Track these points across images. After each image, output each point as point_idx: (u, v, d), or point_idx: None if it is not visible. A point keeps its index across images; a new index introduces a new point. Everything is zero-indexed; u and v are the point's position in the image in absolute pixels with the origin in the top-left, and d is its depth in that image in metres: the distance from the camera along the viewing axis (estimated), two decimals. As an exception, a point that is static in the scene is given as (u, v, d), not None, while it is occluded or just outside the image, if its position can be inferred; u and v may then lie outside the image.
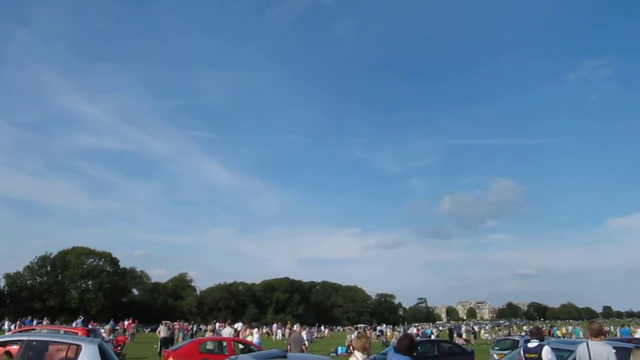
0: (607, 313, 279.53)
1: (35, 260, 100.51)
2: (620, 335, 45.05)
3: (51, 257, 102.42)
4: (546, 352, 8.66)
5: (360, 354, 6.71)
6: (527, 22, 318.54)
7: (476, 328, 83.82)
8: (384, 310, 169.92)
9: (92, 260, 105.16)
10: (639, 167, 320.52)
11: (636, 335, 37.12)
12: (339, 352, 35.20)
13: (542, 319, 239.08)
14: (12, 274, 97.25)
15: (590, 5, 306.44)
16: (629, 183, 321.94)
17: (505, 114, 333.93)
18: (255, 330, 23.38)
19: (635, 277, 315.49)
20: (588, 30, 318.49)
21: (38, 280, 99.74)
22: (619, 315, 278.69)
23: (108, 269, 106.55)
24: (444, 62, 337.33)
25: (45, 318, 61.40)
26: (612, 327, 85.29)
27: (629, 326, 61.61)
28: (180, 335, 39.17)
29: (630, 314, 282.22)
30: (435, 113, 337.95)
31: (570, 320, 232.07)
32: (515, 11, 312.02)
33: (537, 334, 9.41)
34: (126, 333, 45.29)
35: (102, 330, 28.45)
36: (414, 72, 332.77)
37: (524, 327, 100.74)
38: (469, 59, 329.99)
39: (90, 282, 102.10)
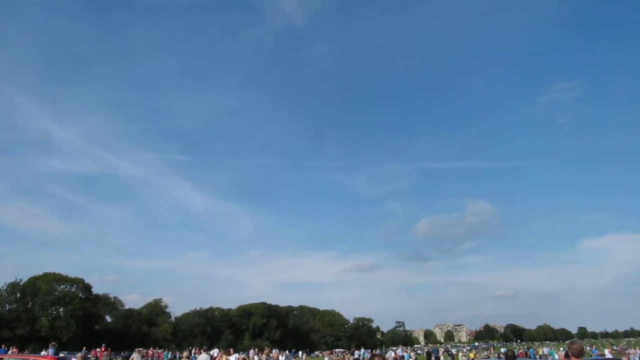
0: (582, 334, 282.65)
1: (4, 287, 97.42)
2: (592, 356, 45.80)
3: (21, 283, 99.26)
4: None
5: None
6: (498, 46, 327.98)
7: (454, 351, 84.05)
8: (362, 334, 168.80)
9: (63, 286, 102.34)
10: (609, 188, 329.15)
11: (607, 355, 37.92)
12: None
13: (519, 341, 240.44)
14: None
15: (560, 28, 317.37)
16: (600, 204, 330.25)
17: (479, 137, 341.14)
18: (235, 356, 23.22)
19: (608, 298, 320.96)
20: (558, 53, 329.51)
21: (7, 307, 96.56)
22: (594, 335, 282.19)
23: (80, 295, 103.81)
24: (417, 86, 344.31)
25: (12, 347, 59.46)
26: (587, 348, 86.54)
27: (596, 347, 62.66)
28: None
29: (605, 335, 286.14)
30: (409, 136, 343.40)
31: (547, 342, 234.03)
32: (486, 35, 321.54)
33: (512, 358, 9.62)
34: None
35: (73, 359, 27.83)
36: (387, 95, 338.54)
37: (501, 349, 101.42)
38: (441, 83, 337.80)
39: (61, 309, 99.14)
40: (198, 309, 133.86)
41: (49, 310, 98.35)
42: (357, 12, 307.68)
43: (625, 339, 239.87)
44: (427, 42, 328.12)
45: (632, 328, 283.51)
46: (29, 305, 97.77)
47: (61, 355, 32.42)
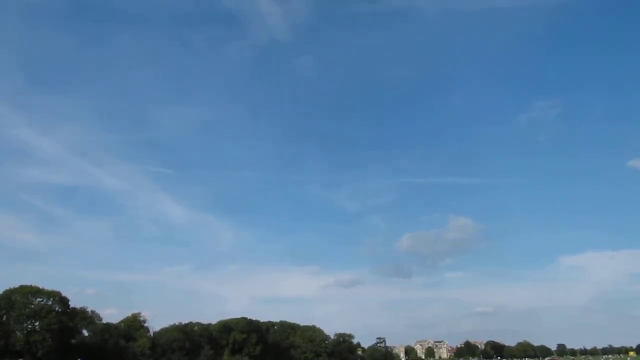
0: (562, 351, 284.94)
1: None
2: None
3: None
4: None
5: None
6: (479, 64, 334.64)
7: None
8: (342, 350, 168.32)
9: (40, 299, 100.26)
10: (587, 205, 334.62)
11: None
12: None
13: (499, 358, 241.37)
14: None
15: (540, 47, 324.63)
16: (579, 221, 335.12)
17: (460, 153, 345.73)
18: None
19: (587, 315, 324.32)
20: (539, 71, 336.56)
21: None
22: (573, 352, 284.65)
23: (57, 308, 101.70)
24: (400, 101, 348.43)
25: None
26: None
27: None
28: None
29: (584, 352, 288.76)
30: (392, 152, 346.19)
31: (526, 359, 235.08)
32: (469, 53, 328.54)
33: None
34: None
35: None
36: (370, 110, 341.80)
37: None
38: (424, 99, 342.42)
39: (37, 323, 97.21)
40: (177, 323, 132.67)
41: (25, 324, 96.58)
42: (342, 28, 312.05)
43: (604, 356, 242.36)
44: (411, 58, 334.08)
45: (610, 345, 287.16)
46: (4, 319, 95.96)
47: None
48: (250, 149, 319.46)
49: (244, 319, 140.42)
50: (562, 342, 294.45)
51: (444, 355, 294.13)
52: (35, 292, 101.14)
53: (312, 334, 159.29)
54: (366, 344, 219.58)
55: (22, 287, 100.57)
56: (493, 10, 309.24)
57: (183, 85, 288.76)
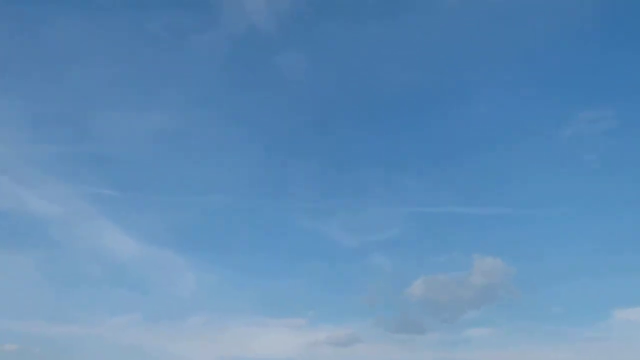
0: None
1: None
2: None
3: None
4: None
5: None
6: (512, 65, 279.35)
7: None
8: None
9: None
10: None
11: None
12: None
13: None
14: None
15: (590, 45, 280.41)
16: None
17: (487, 176, 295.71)
18: None
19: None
20: (587, 74, 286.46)
21: None
22: None
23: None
24: (411, 110, 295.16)
25: None
26: None
27: None
28: None
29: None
30: (400, 173, 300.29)
31: None
32: (498, 51, 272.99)
33: None
34: None
35: None
36: (372, 121, 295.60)
37: None
38: (440, 108, 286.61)
39: None
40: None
41: None
42: (338, 18, 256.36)
43: None
44: (423, 57, 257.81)
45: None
46: None
47: None
48: (221, 167, 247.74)
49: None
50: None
51: None
52: None
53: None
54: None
55: None
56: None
57: (138, 86, 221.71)
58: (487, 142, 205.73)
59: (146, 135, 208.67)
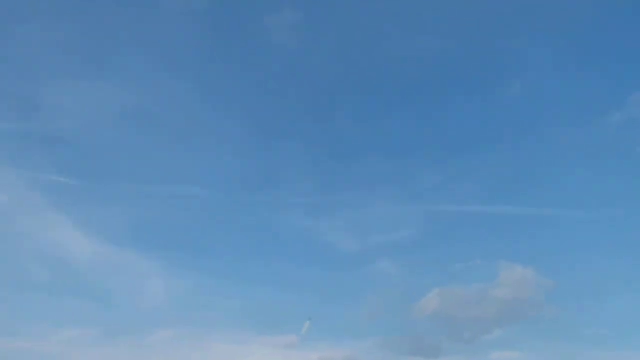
0: None
1: None
2: None
3: None
4: None
5: None
6: (551, 35, 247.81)
7: None
8: None
9: None
10: None
11: None
12: None
13: None
14: None
15: None
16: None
17: (516, 169, 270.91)
18: None
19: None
20: (637, 49, 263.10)
21: None
22: None
23: None
24: (426, 90, 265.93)
25: None
26: None
27: None
28: None
29: None
30: (411, 165, 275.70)
31: None
32: (535, 18, 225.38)
33: None
34: None
35: None
36: (380, 102, 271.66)
37: None
38: (462, 86, 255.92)
39: None
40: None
41: None
42: None
43: None
44: (444, 24, 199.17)
45: None
46: None
47: None
48: (197, 152, 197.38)
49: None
50: None
51: None
52: None
53: None
54: None
55: None
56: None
57: (96, 52, 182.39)
58: (519, 130, 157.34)
59: (106, 113, 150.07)
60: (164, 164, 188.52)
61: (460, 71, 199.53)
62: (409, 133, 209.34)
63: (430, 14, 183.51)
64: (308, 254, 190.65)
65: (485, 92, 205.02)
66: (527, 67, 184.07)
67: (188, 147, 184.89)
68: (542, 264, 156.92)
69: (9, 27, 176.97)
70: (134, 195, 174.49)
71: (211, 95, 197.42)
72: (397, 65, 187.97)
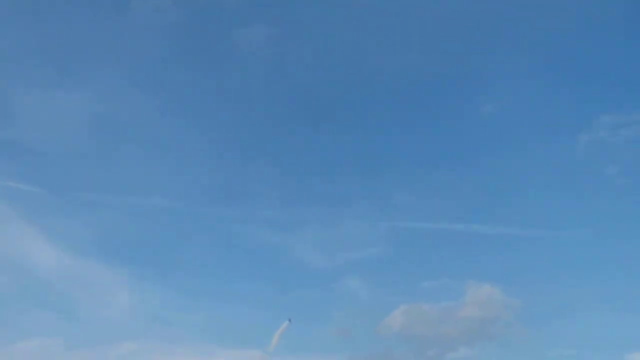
0: None
1: None
2: None
3: None
4: None
5: None
6: (525, 56, 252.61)
7: None
8: None
9: None
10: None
11: None
12: None
13: None
14: None
15: (614, 34, 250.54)
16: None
17: (486, 188, 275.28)
18: None
19: None
20: (613, 70, 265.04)
21: None
22: None
23: None
24: (400, 106, 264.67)
25: None
26: None
27: None
28: None
29: None
30: (382, 182, 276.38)
31: None
32: (510, 38, 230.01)
33: None
34: None
35: None
36: (352, 117, 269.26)
37: None
38: (435, 104, 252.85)
39: None
40: None
41: None
42: None
43: None
44: (422, 39, 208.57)
45: None
46: None
47: None
48: (163, 164, 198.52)
49: None
50: None
51: None
52: None
53: None
54: None
55: None
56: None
57: (64, 60, 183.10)
58: (491, 147, 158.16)
59: (74, 122, 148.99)
60: (131, 175, 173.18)
61: (431, 89, 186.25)
62: (379, 149, 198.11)
63: (403, 31, 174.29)
64: (275, 269, 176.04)
65: (456, 111, 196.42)
66: (498, 88, 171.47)
67: (155, 159, 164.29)
68: (510, 283, 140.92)
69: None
70: (100, 206, 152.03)
71: (179, 107, 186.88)
72: (369, 82, 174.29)
